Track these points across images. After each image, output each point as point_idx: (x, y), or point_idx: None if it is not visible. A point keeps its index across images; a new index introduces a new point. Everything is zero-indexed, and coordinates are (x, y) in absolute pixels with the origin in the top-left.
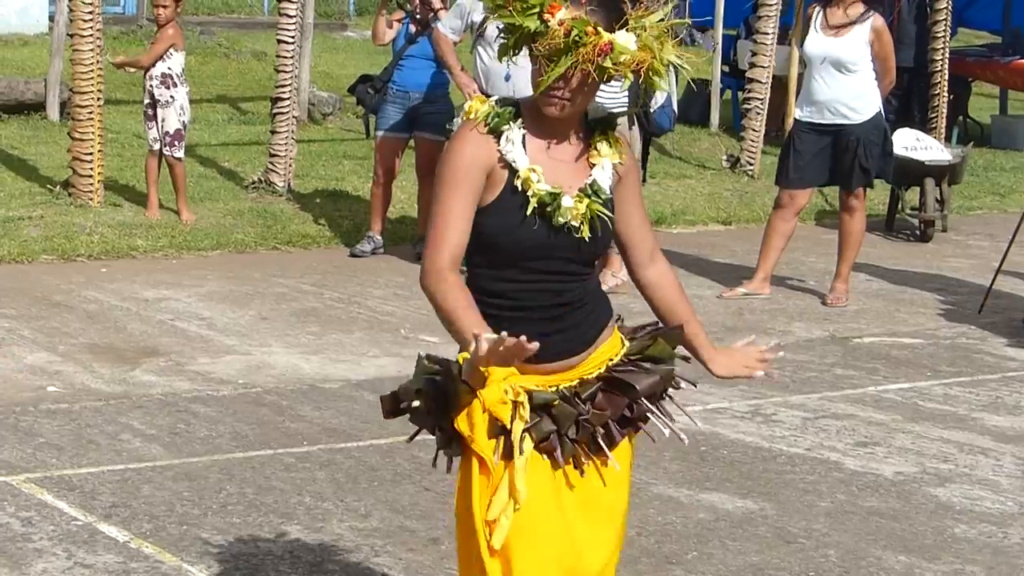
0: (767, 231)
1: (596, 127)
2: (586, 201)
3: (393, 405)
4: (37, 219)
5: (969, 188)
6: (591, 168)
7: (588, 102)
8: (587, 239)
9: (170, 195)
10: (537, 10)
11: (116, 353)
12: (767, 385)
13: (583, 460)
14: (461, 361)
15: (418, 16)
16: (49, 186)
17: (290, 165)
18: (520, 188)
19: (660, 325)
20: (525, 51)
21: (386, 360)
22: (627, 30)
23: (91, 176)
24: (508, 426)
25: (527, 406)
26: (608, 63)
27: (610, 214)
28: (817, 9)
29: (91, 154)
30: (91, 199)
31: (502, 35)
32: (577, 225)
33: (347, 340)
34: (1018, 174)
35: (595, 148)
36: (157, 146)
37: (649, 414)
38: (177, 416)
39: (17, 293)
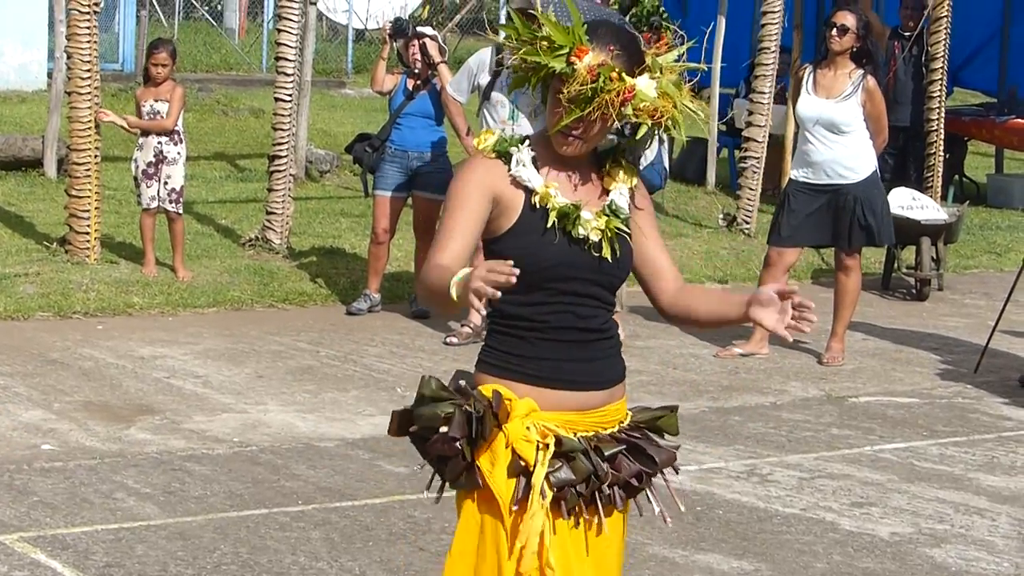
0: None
1: (606, 157)
2: (605, 219)
3: (404, 425)
4: (33, 276)
5: (965, 247)
6: (606, 192)
7: (599, 140)
8: (608, 259)
9: (166, 252)
10: (566, 52)
11: (111, 411)
12: (763, 445)
13: (580, 515)
14: (490, 393)
15: (417, 71)
16: (46, 243)
17: (287, 223)
18: (538, 205)
19: (663, 408)
20: (522, 117)
21: (381, 419)
22: (648, 75)
23: (88, 233)
24: (530, 467)
25: (550, 449)
26: (628, 109)
27: (628, 231)
28: (808, 70)
29: (88, 211)
30: (88, 256)
31: (516, 71)
32: (597, 241)
33: (343, 398)
34: (1014, 233)
35: (609, 174)
36: (155, 204)
37: (649, 490)
38: (172, 475)
39: (12, 350)
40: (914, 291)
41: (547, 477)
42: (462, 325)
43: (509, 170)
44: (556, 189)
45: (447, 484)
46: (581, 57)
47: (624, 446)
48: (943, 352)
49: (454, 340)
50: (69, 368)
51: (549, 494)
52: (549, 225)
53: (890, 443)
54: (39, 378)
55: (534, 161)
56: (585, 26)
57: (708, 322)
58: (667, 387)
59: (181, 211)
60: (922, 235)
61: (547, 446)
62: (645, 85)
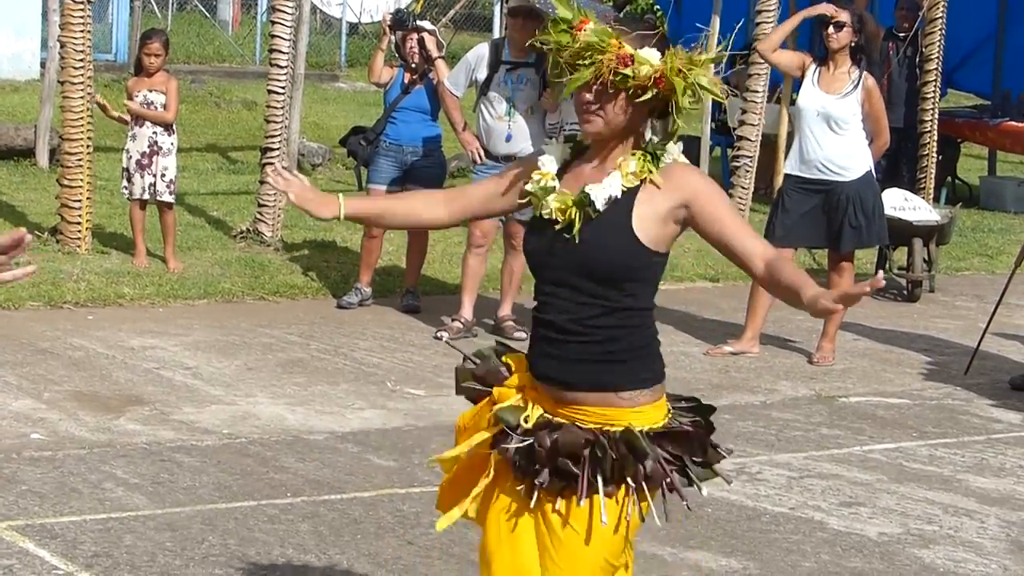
0: (753, 289)
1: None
2: (570, 201)
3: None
4: (24, 265)
5: (957, 249)
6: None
7: (621, 123)
8: (581, 242)
9: (157, 243)
10: (567, 26)
11: (101, 401)
12: (752, 444)
13: (557, 493)
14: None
15: (413, 65)
16: (37, 232)
17: (279, 215)
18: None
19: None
20: (518, 113)
21: (371, 412)
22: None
23: (79, 223)
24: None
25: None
26: (629, 72)
27: (593, 215)
28: (813, 66)
29: (80, 201)
30: (79, 246)
31: (551, 66)
32: (561, 220)
33: (333, 392)
34: (1006, 235)
35: (622, 162)
36: (147, 195)
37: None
38: (161, 465)
39: (2, 339)
40: (905, 292)
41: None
42: (452, 320)
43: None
44: (546, 177)
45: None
46: (582, 27)
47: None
48: (934, 353)
49: (444, 335)
50: (59, 358)
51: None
52: (534, 214)
53: (879, 443)
54: (29, 367)
55: (570, 154)
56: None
57: (783, 294)
58: None
59: (173, 201)
60: (914, 236)
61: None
62: (647, 53)
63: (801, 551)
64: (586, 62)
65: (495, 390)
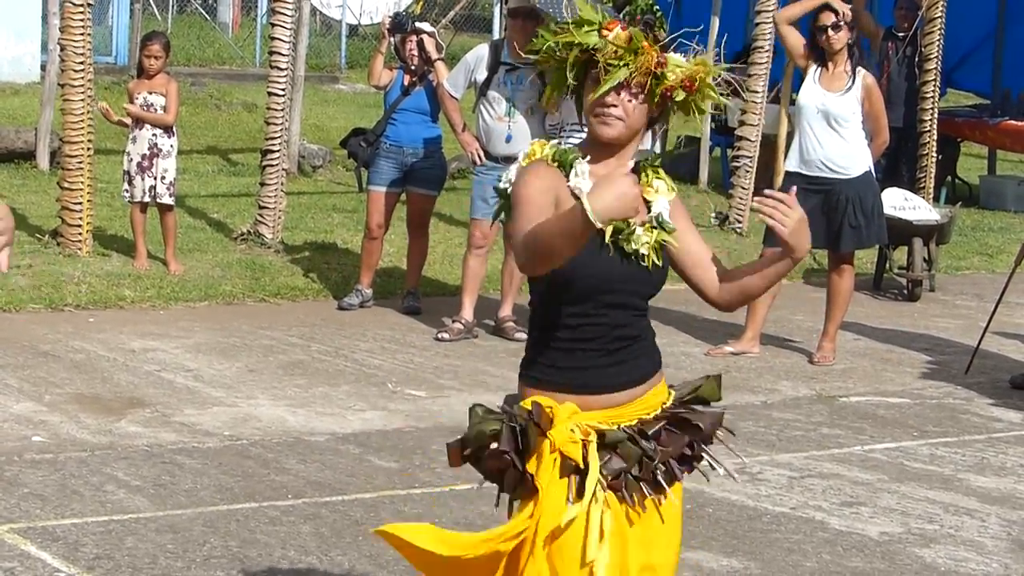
0: None
1: (642, 169)
2: (655, 232)
3: (460, 453)
4: (25, 268)
5: (957, 248)
6: (646, 203)
7: (636, 130)
8: (653, 269)
9: (158, 246)
10: (596, 28)
11: (102, 404)
12: (753, 444)
13: (643, 496)
14: (529, 406)
15: (413, 67)
16: (38, 235)
17: (279, 217)
18: None
19: (702, 378)
20: (519, 114)
21: (372, 414)
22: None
23: (80, 226)
24: (581, 465)
25: (595, 444)
26: (667, 73)
27: (676, 244)
28: (814, 67)
29: (80, 203)
30: (80, 249)
31: (545, 64)
32: (646, 253)
33: (334, 393)
34: (1006, 234)
35: (650, 185)
36: (147, 197)
37: (704, 454)
38: (162, 468)
39: (4, 342)
40: (905, 292)
41: (601, 470)
42: (453, 321)
43: (568, 181)
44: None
45: (508, 496)
46: (612, 28)
47: (664, 421)
48: (934, 353)
49: (445, 336)
50: (60, 360)
51: (604, 487)
52: (606, 240)
53: (880, 443)
54: (30, 370)
55: (588, 174)
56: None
57: (766, 287)
58: None
59: (173, 203)
60: (914, 236)
61: (591, 442)
62: (675, 56)
63: (802, 551)
64: (620, 63)
65: (551, 434)
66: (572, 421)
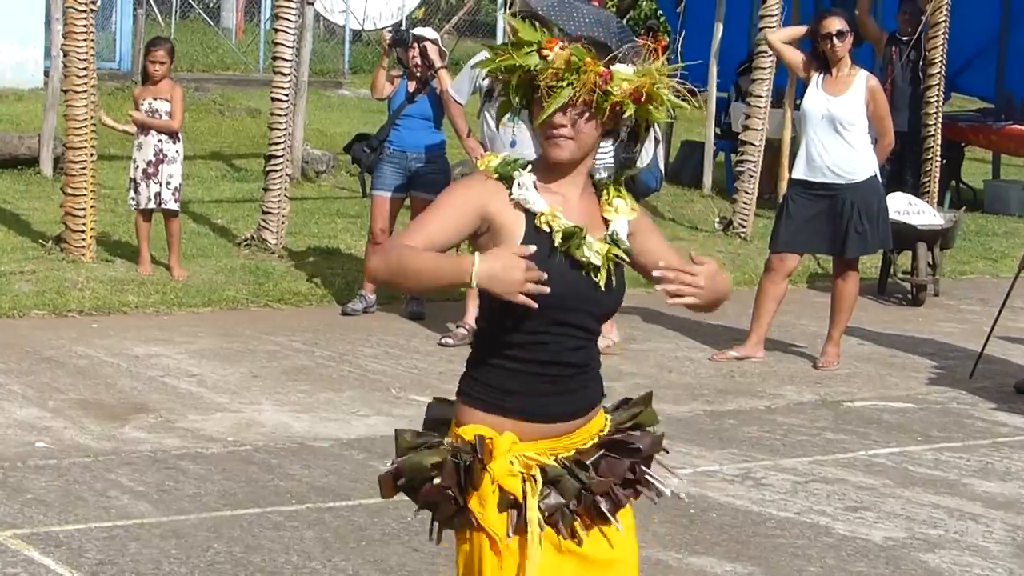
0: (758, 295)
1: (603, 187)
2: (607, 246)
3: (393, 484)
4: (29, 274)
5: (961, 253)
6: (606, 223)
7: (590, 147)
8: (605, 287)
9: (162, 251)
10: (535, 48)
11: (106, 409)
12: (757, 449)
13: (583, 530)
14: (472, 438)
15: (417, 74)
16: (41, 241)
17: (283, 222)
18: (543, 226)
19: (633, 399)
20: (520, 120)
21: (376, 419)
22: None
23: (84, 231)
24: (520, 499)
25: (539, 480)
26: (610, 88)
27: (628, 261)
28: (817, 74)
29: (84, 209)
30: (83, 254)
31: (500, 94)
32: (598, 266)
33: (337, 399)
34: (1010, 239)
35: (609, 203)
36: (152, 204)
37: (647, 476)
38: (166, 473)
39: (7, 348)
40: (910, 296)
41: (539, 506)
42: (457, 326)
43: (511, 194)
44: (560, 211)
45: (437, 525)
46: (552, 48)
47: (603, 449)
48: (938, 357)
49: (449, 341)
50: (64, 366)
51: (541, 523)
52: (555, 246)
53: (885, 448)
54: (34, 376)
55: (534, 185)
56: (555, 28)
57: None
58: (662, 390)
59: (179, 209)
60: (918, 240)
61: (533, 477)
62: (621, 68)
63: (806, 556)
64: (562, 84)
65: (491, 467)
66: (511, 453)
